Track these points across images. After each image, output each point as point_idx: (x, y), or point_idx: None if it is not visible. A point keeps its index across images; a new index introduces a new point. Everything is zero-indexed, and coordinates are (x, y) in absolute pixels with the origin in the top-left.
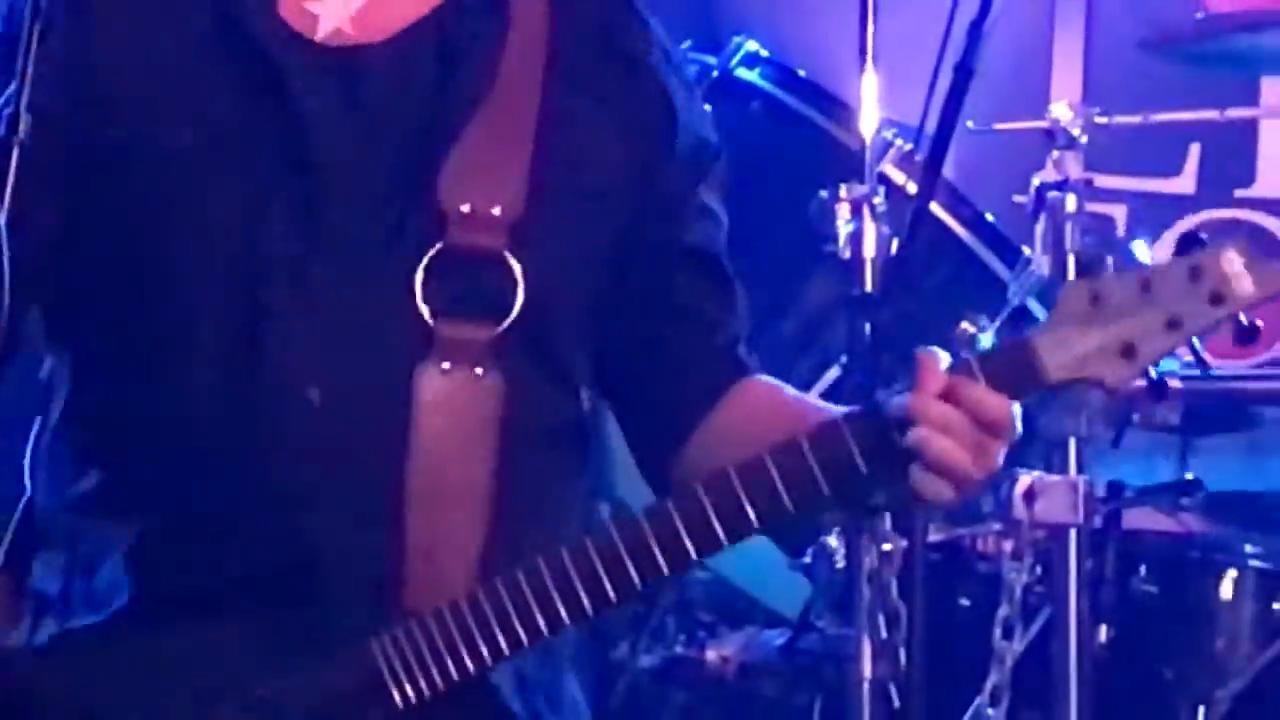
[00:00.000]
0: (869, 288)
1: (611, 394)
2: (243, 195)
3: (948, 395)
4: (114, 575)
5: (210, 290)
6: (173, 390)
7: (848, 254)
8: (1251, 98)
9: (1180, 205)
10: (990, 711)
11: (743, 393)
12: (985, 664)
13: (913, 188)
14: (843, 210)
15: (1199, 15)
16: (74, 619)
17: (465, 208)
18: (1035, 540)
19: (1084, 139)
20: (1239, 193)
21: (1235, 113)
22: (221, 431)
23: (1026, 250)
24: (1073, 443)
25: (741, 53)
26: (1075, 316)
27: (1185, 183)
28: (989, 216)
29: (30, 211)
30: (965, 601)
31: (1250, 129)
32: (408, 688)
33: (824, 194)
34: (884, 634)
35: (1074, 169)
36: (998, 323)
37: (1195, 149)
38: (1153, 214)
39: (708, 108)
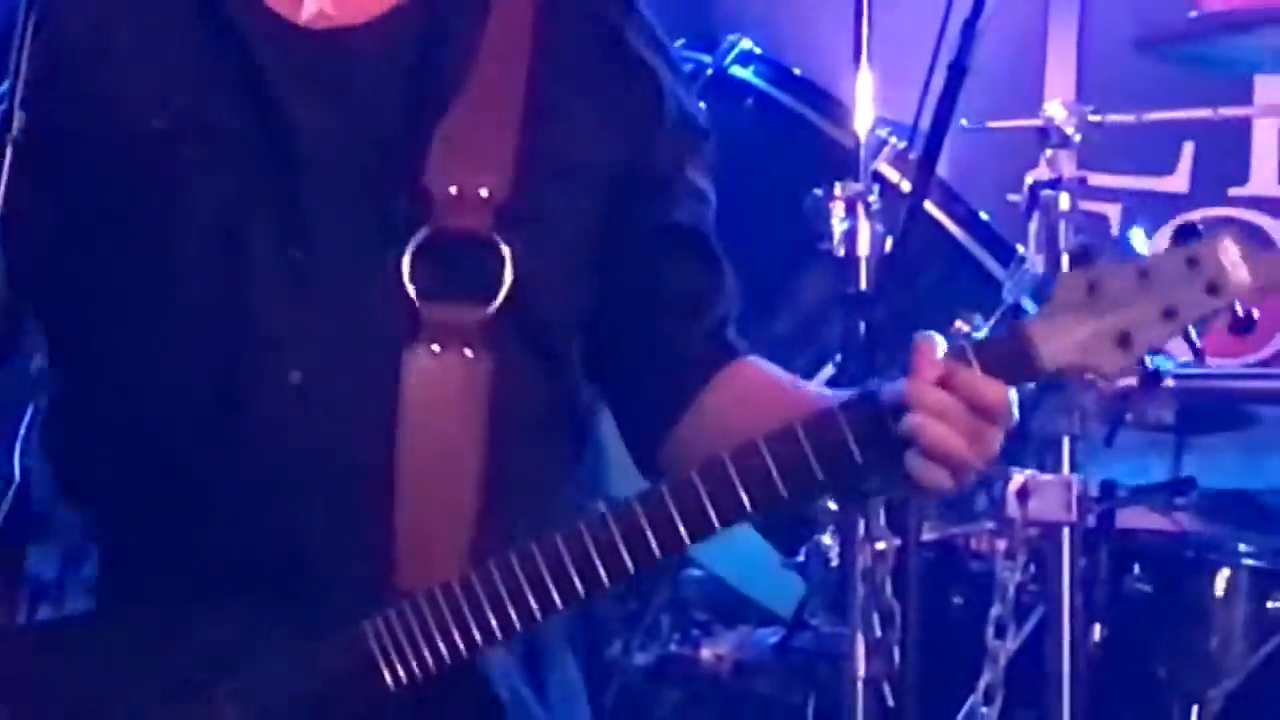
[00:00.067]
0: (863, 286)
1: (600, 376)
2: (224, 182)
3: (943, 382)
4: (102, 562)
5: (192, 275)
6: (155, 375)
7: (842, 252)
8: (1245, 96)
9: (1174, 204)
10: (984, 710)
11: (733, 375)
12: (979, 662)
13: (907, 186)
14: (837, 208)
15: (1192, 14)
16: (70, 605)
17: (453, 190)
18: (1029, 539)
19: (1078, 137)
20: (1232, 191)
21: (1229, 111)
22: (204, 415)
23: (1020, 249)
24: (1066, 442)
25: (736, 51)
26: (1071, 305)
27: (1179, 181)
28: (983, 215)
29: (22, 207)
30: (959, 600)
31: (1244, 127)
32: (399, 668)
33: (818, 192)
34: (878, 632)
35: (1068, 167)
36: (992, 321)
37: (1189, 147)
38: (1146, 212)
39: (701, 105)
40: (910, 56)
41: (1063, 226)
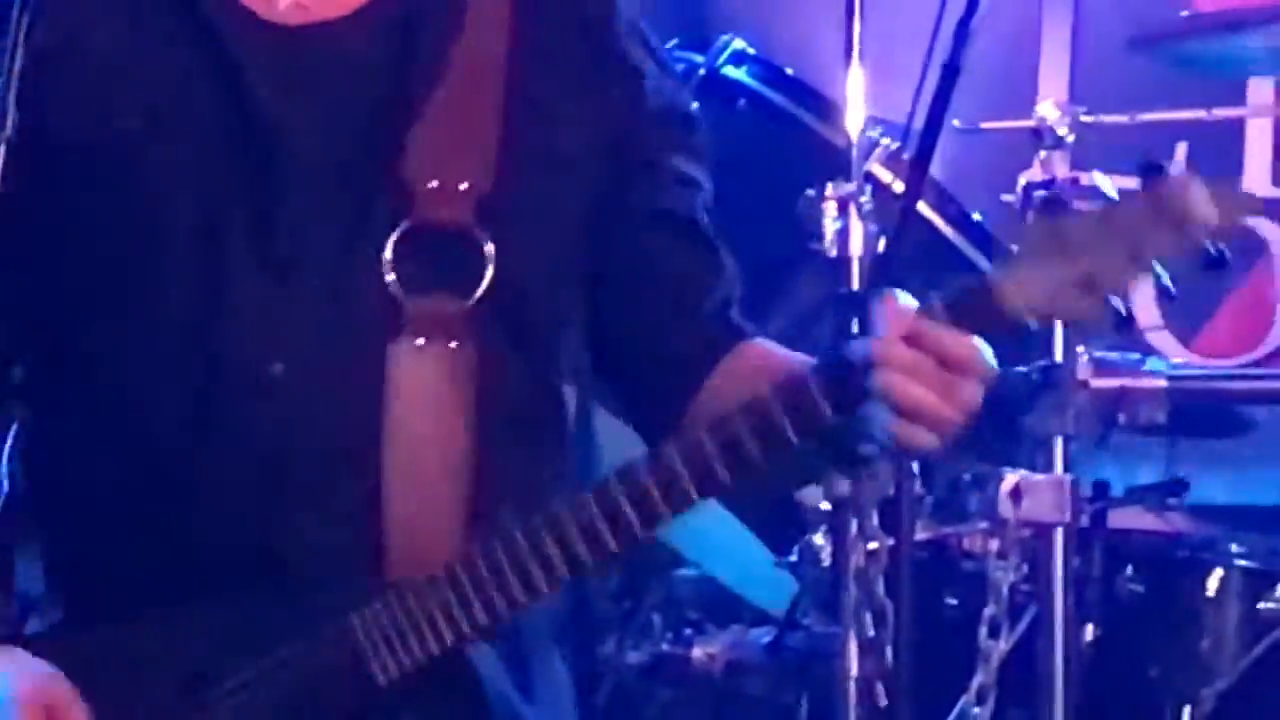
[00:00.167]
0: (855, 286)
1: (607, 370)
2: (203, 179)
3: (911, 338)
4: (86, 566)
5: (172, 272)
6: (136, 372)
7: (834, 252)
8: (1238, 97)
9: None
10: (976, 710)
11: (738, 357)
12: (971, 662)
13: (899, 186)
14: (829, 208)
15: (1185, 14)
16: (54, 615)
17: (433, 184)
18: (1021, 539)
19: (1071, 138)
20: None
21: (1222, 112)
22: (186, 411)
23: (1013, 249)
24: (1059, 442)
25: (729, 51)
26: (1037, 254)
27: None
28: (976, 215)
29: (7, 205)
30: (951, 600)
31: (1237, 128)
32: (388, 662)
33: (811, 192)
34: (870, 632)
35: (1061, 168)
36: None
37: (1182, 148)
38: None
39: (694, 105)
40: (903, 57)
41: None
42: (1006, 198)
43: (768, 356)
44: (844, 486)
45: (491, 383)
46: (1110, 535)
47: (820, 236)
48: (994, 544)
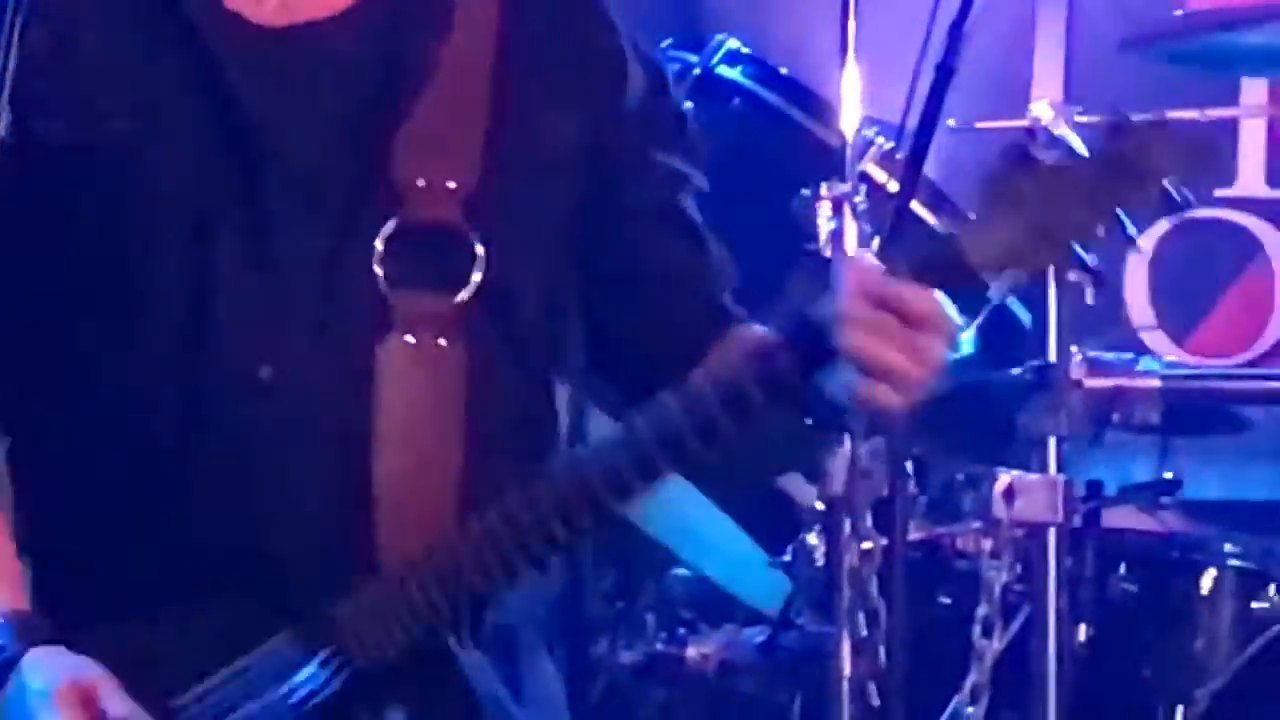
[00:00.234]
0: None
1: (604, 365)
2: (189, 182)
3: (873, 296)
4: (77, 568)
5: (159, 275)
6: (122, 374)
7: (828, 252)
8: (1232, 97)
9: (1161, 203)
10: (969, 710)
11: (728, 340)
12: (965, 662)
13: (894, 186)
14: (824, 208)
15: (1179, 14)
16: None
17: (420, 182)
18: (1015, 539)
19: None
20: (1219, 192)
21: (1216, 112)
22: (173, 413)
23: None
24: (1052, 442)
25: (723, 50)
26: (1000, 207)
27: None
28: (970, 216)
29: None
30: (945, 600)
31: (1230, 128)
32: (375, 656)
33: (805, 192)
34: (864, 632)
35: None
36: (978, 320)
37: None
38: (1133, 213)
39: (689, 104)
40: (897, 56)
41: None
42: None
43: (754, 337)
44: (838, 486)
45: (481, 381)
46: (1104, 535)
47: (815, 236)
48: (987, 544)
